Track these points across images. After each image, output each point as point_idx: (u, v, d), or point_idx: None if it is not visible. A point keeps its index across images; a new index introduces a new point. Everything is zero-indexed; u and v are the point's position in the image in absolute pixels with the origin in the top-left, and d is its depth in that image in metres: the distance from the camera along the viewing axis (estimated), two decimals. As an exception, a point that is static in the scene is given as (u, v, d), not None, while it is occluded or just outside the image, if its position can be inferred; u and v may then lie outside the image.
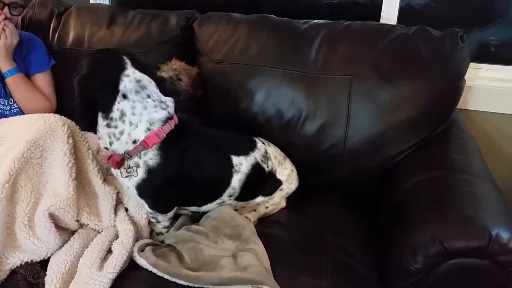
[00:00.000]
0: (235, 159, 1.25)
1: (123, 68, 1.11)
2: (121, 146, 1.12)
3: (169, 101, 1.18)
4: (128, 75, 1.11)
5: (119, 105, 1.09)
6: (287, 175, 1.37)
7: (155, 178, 1.14)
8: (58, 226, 1.18)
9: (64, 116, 1.27)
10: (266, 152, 1.34)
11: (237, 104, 1.51)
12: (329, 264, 1.13)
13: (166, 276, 1.07)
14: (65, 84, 1.62)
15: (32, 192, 1.16)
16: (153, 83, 1.15)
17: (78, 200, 1.21)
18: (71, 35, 1.66)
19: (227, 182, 1.25)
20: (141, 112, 1.11)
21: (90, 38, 1.64)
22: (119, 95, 1.09)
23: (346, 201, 1.45)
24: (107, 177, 1.33)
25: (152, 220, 1.26)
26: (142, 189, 1.16)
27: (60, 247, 1.16)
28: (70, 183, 1.18)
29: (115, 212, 1.26)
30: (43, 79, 1.60)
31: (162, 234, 1.28)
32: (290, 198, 1.40)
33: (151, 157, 1.12)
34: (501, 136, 1.75)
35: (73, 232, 1.22)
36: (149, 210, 1.23)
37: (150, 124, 1.11)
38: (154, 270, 1.09)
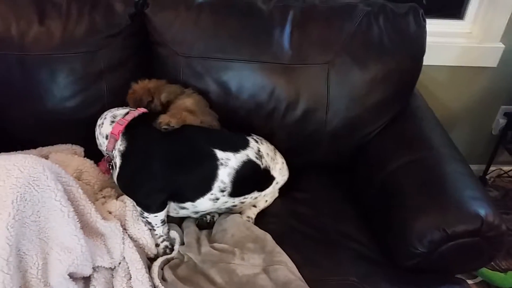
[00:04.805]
0: (220, 154, 1.26)
1: None
2: (102, 147, 1.32)
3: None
4: None
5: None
6: (279, 169, 1.42)
7: (128, 162, 1.24)
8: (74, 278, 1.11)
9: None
10: (259, 150, 1.35)
11: (211, 100, 1.44)
12: (344, 255, 1.26)
13: (206, 304, 1.11)
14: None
15: (37, 255, 1.05)
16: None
17: (87, 247, 1.12)
18: (-8, 34, 1.35)
19: (212, 174, 1.25)
20: (105, 113, 1.34)
21: (21, 37, 1.35)
22: None
23: (325, 178, 1.56)
24: (101, 205, 1.25)
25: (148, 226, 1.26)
26: (122, 178, 1.25)
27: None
28: (79, 235, 1.09)
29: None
30: None
31: (158, 245, 1.27)
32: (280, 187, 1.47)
33: (120, 143, 1.26)
34: (436, 86, 1.97)
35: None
36: (138, 209, 1.25)
37: (114, 118, 1.30)
38: (193, 302, 1.12)
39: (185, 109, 1.33)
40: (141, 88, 1.37)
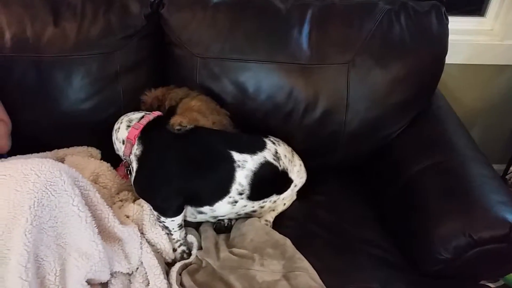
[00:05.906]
0: (237, 156, 1.23)
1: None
2: (120, 152, 1.31)
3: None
4: None
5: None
6: (297, 171, 1.39)
7: (144, 166, 1.22)
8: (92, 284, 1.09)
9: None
10: (276, 152, 1.32)
11: (228, 101, 1.42)
12: (365, 261, 1.23)
13: (226, 312, 1.09)
14: (9, 100, 1.37)
15: (54, 261, 1.03)
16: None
17: (105, 252, 1.11)
18: (7, 36, 1.33)
19: (229, 176, 1.23)
20: (122, 117, 1.32)
21: (37, 39, 1.33)
22: None
23: (344, 181, 1.54)
24: (118, 209, 1.24)
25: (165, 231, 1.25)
26: (139, 182, 1.24)
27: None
28: (97, 241, 1.07)
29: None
30: None
31: (175, 250, 1.26)
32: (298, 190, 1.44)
33: (136, 147, 1.25)
34: (456, 84, 1.92)
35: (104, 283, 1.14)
36: (155, 213, 1.23)
37: (129, 122, 1.29)
38: (213, 310, 1.10)
39: (194, 110, 1.31)
40: (150, 98, 1.37)
